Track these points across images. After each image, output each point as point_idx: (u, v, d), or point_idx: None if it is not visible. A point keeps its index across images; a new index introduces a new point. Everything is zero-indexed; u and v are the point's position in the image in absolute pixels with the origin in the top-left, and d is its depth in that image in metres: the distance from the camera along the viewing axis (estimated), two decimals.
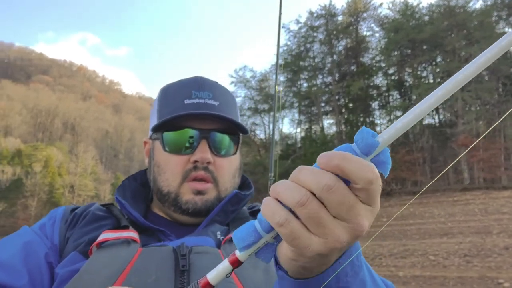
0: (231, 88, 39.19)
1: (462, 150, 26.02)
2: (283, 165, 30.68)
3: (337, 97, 34.80)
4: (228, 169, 1.00)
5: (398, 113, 31.54)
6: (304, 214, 0.45)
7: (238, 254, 0.50)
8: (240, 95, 36.82)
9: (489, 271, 12.01)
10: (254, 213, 1.06)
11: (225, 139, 0.98)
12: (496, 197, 19.67)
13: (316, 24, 35.56)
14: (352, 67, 35.04)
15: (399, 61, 31.86)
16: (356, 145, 0.45)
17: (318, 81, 35.93)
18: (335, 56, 35.41)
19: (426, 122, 31.07)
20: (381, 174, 0.47)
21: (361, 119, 33.71)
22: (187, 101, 0.96)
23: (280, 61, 36.95)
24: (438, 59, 31.56)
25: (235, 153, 1.02)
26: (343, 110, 35.52)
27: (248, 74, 37.37)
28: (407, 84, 32.47)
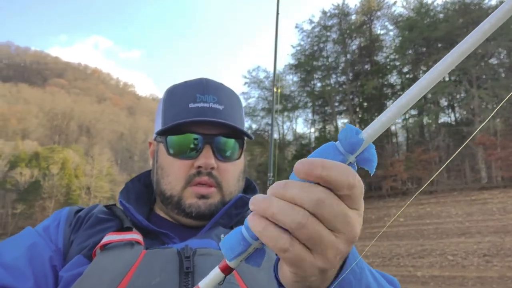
0: (244, 88, 39.29)
1: (480, 149, 25.70)
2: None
3: (351, 96, 34.64)
4: (232, 173, 0.99)
5: (413, 112, 31.29)
6: (305, 235, 0.43)
7: (228, 261, 0.49)
8: (254, 95, 36.92)
9: (509, 270, 11.85)
10: None
11: (229, 143, 0.98)
12: None
13: (330, 23, 35.46)
14: (366, 66, 34.84)
15: (414, 59, 31.58)
16: (340, 143, 0.44)
17: (332, 81, 35.80)
18: (348, 55, 35.25)
19: (442, 120, 30.75)
20: (367, 172, 0.46)
21: (376, 118, 33.51)
22: (191, 105, 0.96)
23: (294, 61, 36.86)
24: None
25: (239, 157, 1.02)
26: (357, 110, 35.34)
27: (262, 75, 37.40)
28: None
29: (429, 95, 29.66)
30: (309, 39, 36.15)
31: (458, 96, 30.12)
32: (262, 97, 36.88)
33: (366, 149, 0.45)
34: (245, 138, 1.04)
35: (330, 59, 35.70)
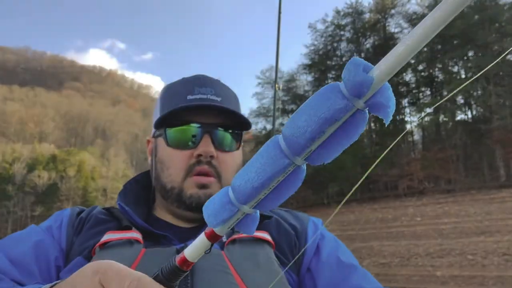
0: (258, 89, 39.39)
1: (498, 146, 25.36)
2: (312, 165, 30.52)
3: None
4: (231, 164, 0.99)
5: (429, 110, 30.97)
6: None
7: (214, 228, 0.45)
8: (268, 96, 36.93)
9: None
10: None
11: (228, 134, 0.98)
12: None
13: (343, 22, 35.34)
14: None
15: (429, 57, 31.29)
16: (345, 84, 0.34)
17: None
18: (362, 54, 35.09)
19: (458, 118, 30.43)
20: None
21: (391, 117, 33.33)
22: (189, 97, 0.95)
23: (307, 61, 36.80)
24: (470, 54, 30.85)
25: (237, 149, 1.02)
26: None
27: None
28: (438, 80, 31.88)
29: (445, 93, 29.36)
30: (322, 39, 36.10)
31: (475, 94, 29.75)
32: (276, 98, 36.91)
33: (379, 91, 0.35)
34: (243, 132, 1.03)
35: (344, 58, 35.59)
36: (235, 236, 0.87)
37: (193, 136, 0.94)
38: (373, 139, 33.18)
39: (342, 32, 35.48)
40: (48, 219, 0.97)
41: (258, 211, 0.44)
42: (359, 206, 25.06)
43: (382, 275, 11.48)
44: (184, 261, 0.46)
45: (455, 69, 31.99)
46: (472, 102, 30.46)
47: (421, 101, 32.71)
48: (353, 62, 0.34)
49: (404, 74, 33.61)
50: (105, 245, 0.84)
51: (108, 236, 0.85)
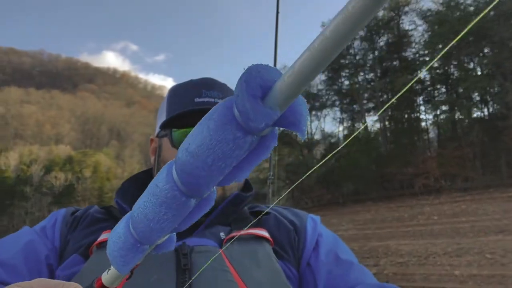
0: None
1: None
2: (327, 164, 30.48)
3: (379, 93, 34.25)
4: None
5: (444, 108, 30.67)
6: None
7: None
8: None
9: None
10: (254, 213, 1.02)
11: None
12: None
13: None
14: (395, 63, 34.38)
15: (445, 53, 30.92)
16: (240, 116, 0.27)
17: (360, 78, 35.51)
18: (376, 52, 34.87)
19: (475, 115, 30.05)
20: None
21: (406, 115, 33.02)
22: (197, 100, 0.96)
23: None
24: (486, 50, 30.45)
25: None
26: None
27: None
28: (453, 77, 31.52)
29: (461, 90, 29.03)
30: None
31: (491, 91, 29.35)
32: None
33: (290, 108, 0.29)
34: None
35: (357, 57, 35.40)
36: (233, 233, 0.87)
37: None
38: (387, 137, 32.94)
39: None
40: (44, 219, 0.98)
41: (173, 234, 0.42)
42: (375, 205, 24.90)
43: (399, 275, 11.41)
44: (101, 286, 0.45)
45: (471, 65, 31.60)
46: (489, 99, 30.05)
47: (436, 98, 32.38)
48: (246, 89, 0.27)
49: (418, 71, 33.32)
50: (102, 244, 0.84)
51: (105, 235, 0.86)
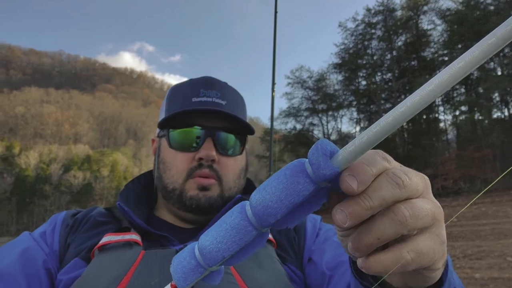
0: (287, 89, 39.30)
1: None
2: None
3: (397, 94, 33.94)
4: (233, 168, 0.98)
5: (464, 108, 30.23)
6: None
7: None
8: (297, 96, 36.79)
9: None
10: None
11: (231, 138, 0.98)
12: None
13: (374, 20, 34.87)
14: (413, 63, 34.02)
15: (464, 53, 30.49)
16: (312, 169, 0.37)
17: (377, 79, 35.21)
18: (394, 52, 34.54)
19: (495, 116, 29.56)
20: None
21: (424, 115, 32.65)
22: (194, 99, 0.96)
23: (338, 60, 36.42)
24: (506, 50, 29.93)
25: (240, 153, 1.01)
26: None
27: (305, 75, 37.25)
28: (473, 77, 31.07)
29: (481, 90, 28.59)
30: (353, 37, 35.69)
31: None
32: (306, 97, 36.73)
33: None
34: (247, 137, 1.03)
35: (375, 57, 35.11)
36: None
37: (196, 138, 0.95)
38: (405, 138, 32.62)
39: (373, 30, 35.02)
40: (44, 223, 0.98)
41: (222, 268, 0.45)
42: None
43: None
44: None
45: (491, 65, 31.10)
46: (509, 100, 29.54)
47: (455, 99, 31.96)
48: (320, 149, 0.37)
49: (437, 72, 32.87)
50: (104, 247, 0.84)
51: (107, 238, 0.85)
